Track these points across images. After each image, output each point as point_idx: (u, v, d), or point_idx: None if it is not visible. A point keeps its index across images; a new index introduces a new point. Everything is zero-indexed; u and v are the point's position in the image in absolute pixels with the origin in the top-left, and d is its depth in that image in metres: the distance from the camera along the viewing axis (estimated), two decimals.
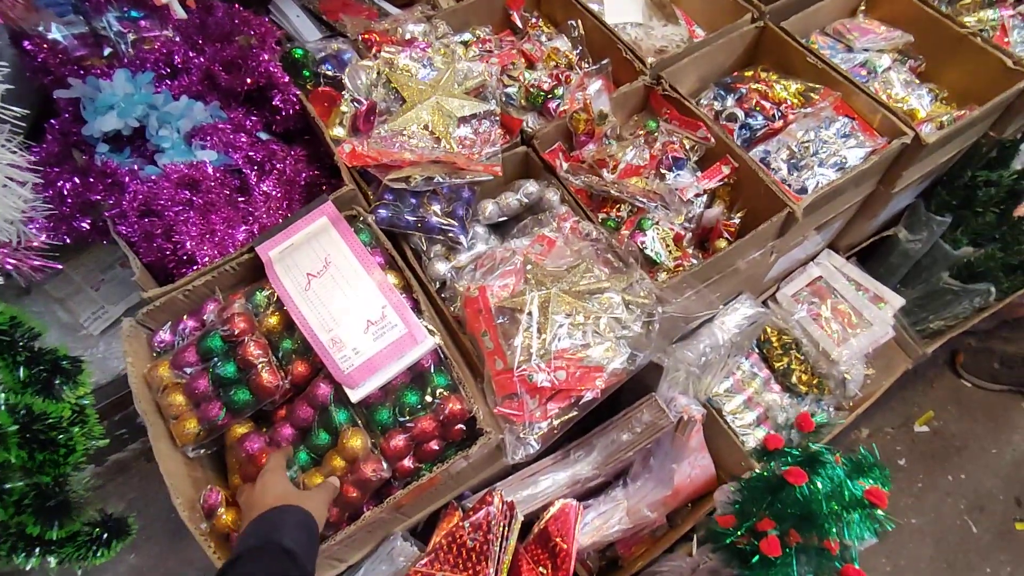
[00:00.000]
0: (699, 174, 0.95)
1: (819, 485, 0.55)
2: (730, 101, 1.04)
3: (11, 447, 0.45)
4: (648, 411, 0.85)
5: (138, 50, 0.85)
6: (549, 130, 0.95)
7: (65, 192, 0.76)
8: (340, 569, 0.74)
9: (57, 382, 0.52)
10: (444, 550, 0.71)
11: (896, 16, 1.13)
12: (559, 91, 1.02)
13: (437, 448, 0.67)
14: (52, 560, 0.55)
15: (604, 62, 1.02)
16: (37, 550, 0.53)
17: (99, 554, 0.58)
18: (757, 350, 1.19)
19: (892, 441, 1.47)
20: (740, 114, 1.01)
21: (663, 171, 0.94)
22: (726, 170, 0.94)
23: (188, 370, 0.67)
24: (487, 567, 0.70)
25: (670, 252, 0.89)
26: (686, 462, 0.96)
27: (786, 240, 0.96)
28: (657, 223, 0.89)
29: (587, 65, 1.08)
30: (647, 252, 0.87)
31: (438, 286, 0.83)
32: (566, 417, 0.71)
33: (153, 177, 0.76)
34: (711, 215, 0.94)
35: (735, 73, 1.09)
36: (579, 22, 1.10)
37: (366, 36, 0.97)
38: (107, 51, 0.87)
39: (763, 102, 1.01)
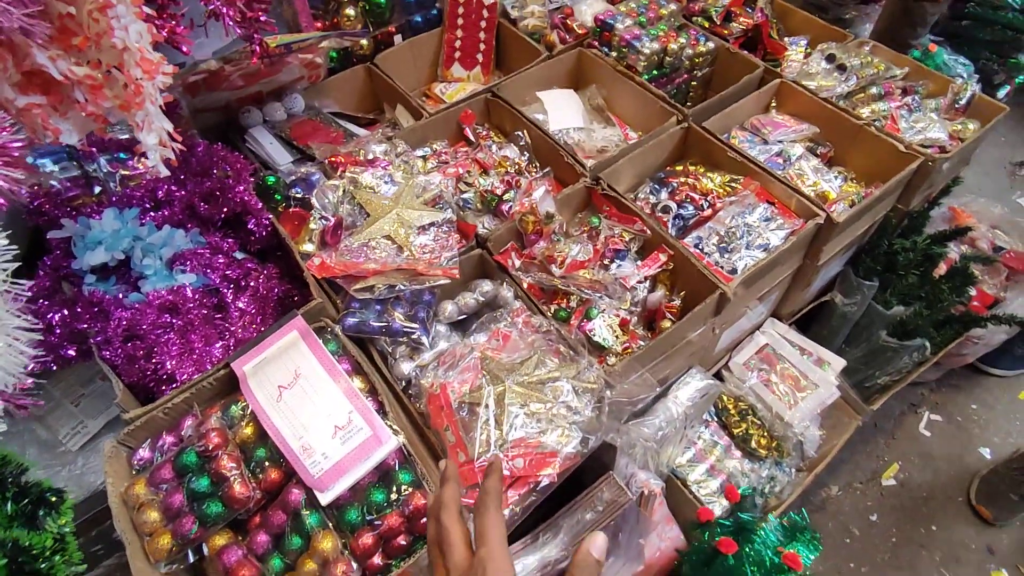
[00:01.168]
0: (639, 263, 1.05)
1: (748, 551, 0.60)
2: (663, 194, 1.16)
3: None
4: (608, 490, 0.90)
5: (125, 187, 0.95)
6: (502, 232, 1.05)
7: (54, 323, 0.82)
8: None
9: (41, 513, 0.56)
10: None
11: (803, 111, 1.28)
12: (510, 194, 1.13)
13: (405, 543, 0.71)
14: None
15: (547, 170, 1.14)
16: None
17: None
18: (716, 419, 1.25)
19: (862, 496, 1.51)
20: (673, 206, 1.13)
21: (606, 263, 1.04)
22: (663, 258, 1.04)
23: (164, 486, 0.72)
24: None
25: (617, 337, 0.97)
26: (653, 535, 1.00)
27: (725, 316, 1.05)
28: (603, 311, 0.98)
29: (535, 169, 1.20)
30: (595, 339, 0.95)
31: (404, 384, 0.89)
32: (526, 503, 0.76)
33: (137, 304, 0.83)
34: (654, 299, 1.03)
35: (667, 168, 1.22)
36: (525, 132, 1.23)
37: (332, 159, 1.08)
38: (97, 189, 0.96)
39: (692, 194, 1.13)
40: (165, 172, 0.62)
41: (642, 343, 0.98)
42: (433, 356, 0.91)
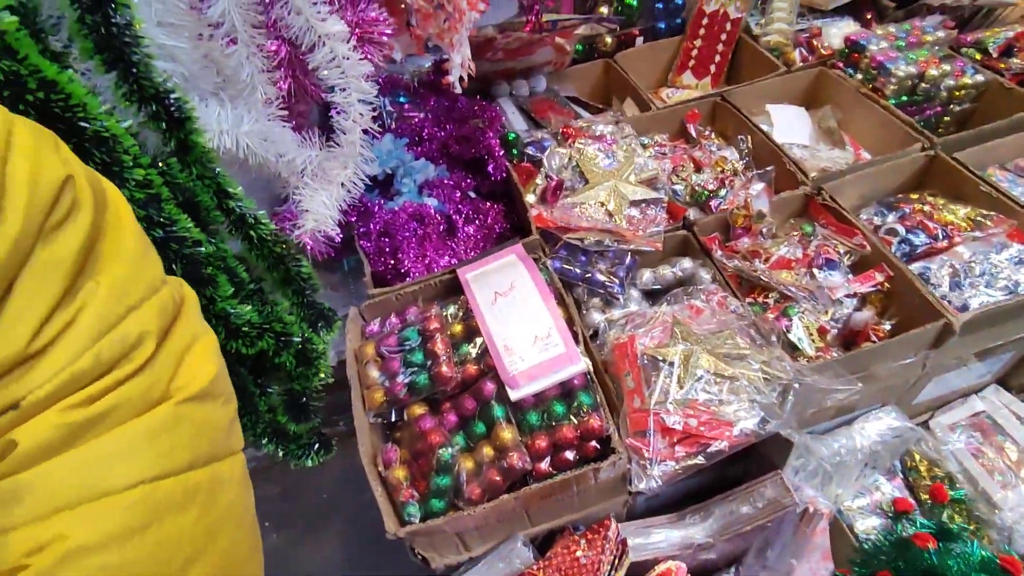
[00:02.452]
0: (851, 277, 1.00)
1: (951, 549, 0.55)
2: (891, 218, 1.09)
3: (290, 356, 0.64)
4: (772, 488, 0.87)
5: (399, 123, 1.14)
6: (709, 221, 1.07)
7: None
8: (463, 557, 0.83)
9: (320, 325, 0.71)
10: (558, 559, 0.78)
11: None
12: (722, 192, 1.15)
13: (571, 458, 0.76)
14: (280, 451, 0.72)
15: (768, 168, 1.14)
16: (275, 440, 0.70)
17: (309, 459, 0.74)
18: (902, 476, 1.12)
19: None
20: (901, 230, 1.05)
21: (814, 269, 1.01)
22: (879, 277, 0.98)
23: (386, 351, 0.85)
24: None
25: (813, 341, 0.94)
26: (807, 562, 0.93)
27: (941, 355, 0.95)
28: (803, 313, 0.95)
29: (752, 173, 1.20)
30: (790, 336, 0.93)
31: (591, 333, 0.95)
32: (691, 462, 0.77)
33: (392, 210, 1.01)
34: (860, 318, 0.98)
35: (899, 195, 1.14)
36: (748, 137, 1.24)
37: (564, 130, 1.19)
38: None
39: (927, 222, 1.05)
40: (458, 89, 0.76)
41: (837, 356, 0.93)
42: (623, 314, 0.96)
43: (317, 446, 0.75)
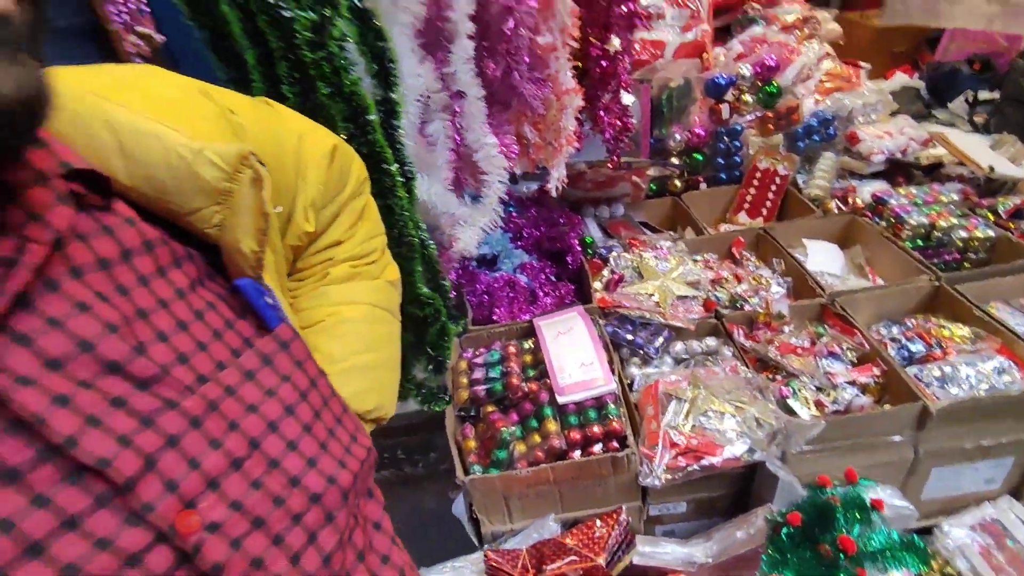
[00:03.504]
0: (851, 368, 1.22)
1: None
2: (895, 330, 1.31)
3: (437, 328, 1.00)
4: (763, 517, 1.05)
5: (508, 223, 1.58)
6: (736, 315, 1.36)
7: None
8: (506, 528, 1.08)
9: (455, 316, 1.08)
10: (578, 532, 1.01)
11: None
12: (754, 299, 1.44)
13: (597, 452, 1.03)
14: (417, 397, 1.05)
15: (788, 279, 1.42)
16: (416, 388, 1.04)
17: (437, 404, 1.07)
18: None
19: None
20: (901, 338, 1.27)
21: (819, 359, 1.24)
22: (876, 370, 1.19)
23: (474, 365, 1.19)
24: (603, 555, 0.97)
25: (809, 410, 1.15)
26: None
27: (931, 440, 1.12)
28: (803, 386, 1.18)
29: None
30: (788, 403, 1.15)
31: (629, 383, 1.23)
32: (688, 468, 1.00)
33: (495, 277, 1.40)
34: (858, 402, 1.18)
35: (905, 315, 1.36)
36: (782, 260, 1.54)
37: (630, 241, 1.57)
38: None
39: (925, 335, 1.26)
40: (554, 194, 1.16)
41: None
42: (655, 371, 1.24)
43: (442, 395, 1.07)
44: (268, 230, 0.42)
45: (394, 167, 0.74)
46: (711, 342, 1.29)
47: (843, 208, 1.71)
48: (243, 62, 0.67)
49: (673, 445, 1.03)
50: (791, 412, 1.15)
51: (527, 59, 0.95)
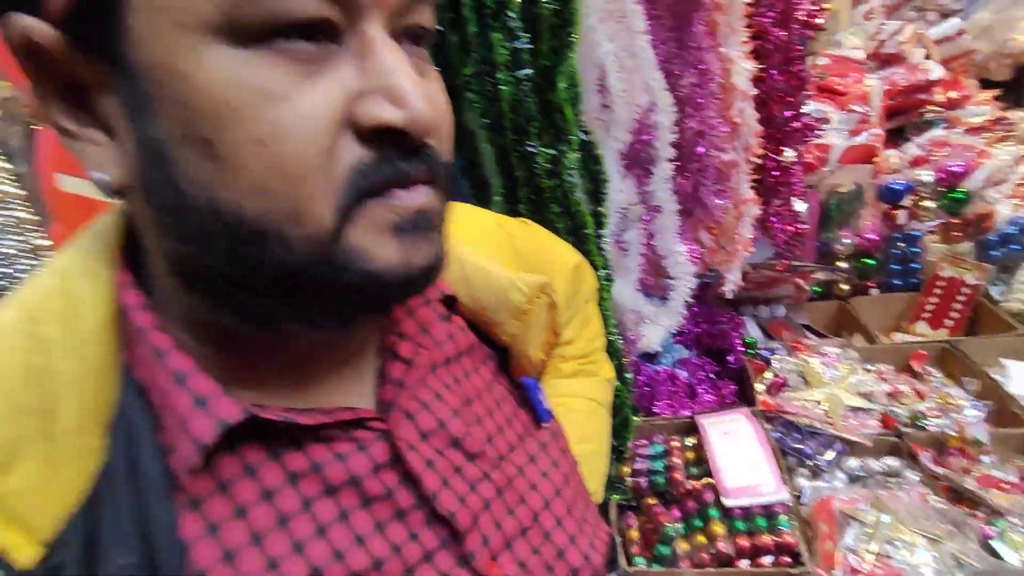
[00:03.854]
0: None
1: None
2: None
3: (621, 419, 1.06)
4: None
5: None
6: (922, 435, 1.26)
7: None
8: None
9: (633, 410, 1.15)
10: None
11: None
12: (942, 420, 1.33)
13: (767, 564, 1.00)
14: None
15: (988, 403, 1.29)
16: None
17: (615, 493, 1.12)
18: None
19: None
20: None
21: None
22: None
23: (637, 457, 1.23)
24: None
25: (1021, 557, 1.02)
26: None
27: None
28: (1014, 527, 1.05)
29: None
30: (992, 543, 1.03)
31: (797, 495, 1.19)
32: None
33: (654, 370, 1.44)
34: None
35: None
36: (977, 381, 1.41)
37: (794, 344, 1.54)
38: None
39: None
40: (729, 296, 1.21)
41: None
42: (827, 486, 1.18)
43: (620, 484, 1.12)
44: (556, 344, 0.51)
45: (602, 272, 0.85)
46: (892, 462, 1.21)
47: None
48: (487, 184, 0.83)
49: (855, 572, 0.97)
50: (996, 555, 1.03)
51: (713, 174, 1.04)
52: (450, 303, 0.46)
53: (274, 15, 0.27)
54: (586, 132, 0.87)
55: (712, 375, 1.49)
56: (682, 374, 1.44)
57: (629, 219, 0.96)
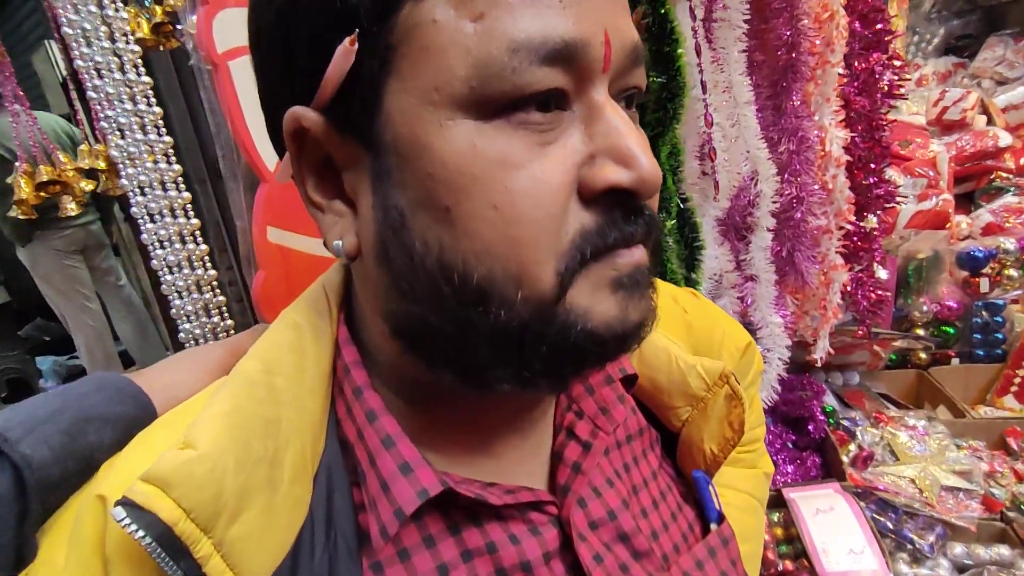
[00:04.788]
0: None
1: None
2: None
3: None
4: None
5: None
6: None
7: None
8: None
9: None
10: None
11: None
12: None
13: None
14: None
15: None
16: None
17: None
18: None
19: None
20: None
21: None
22: None
23: None
24: None
25: None
26: None
27: None
28: None
29: None
30: None
31: None
32: None
33: None
34: None
35: None
36: None
37: (877, 415, 1.47)
38: None
39: None
40: (819, 364, 1.17)
41: None
42: (932, 575, 1.10)
43: None
44: (736, 442, 0.46)
45: None
46: (1004, 551, 1.12)
47: None
48: None
49: None
50: None
51: (808, 240, 1.03)
52: (631, 382, 0.44)
53: (518, 89, 0.29)
54: (684, 199, 0.87)
55: (790, 444, 1.43)
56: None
57: (723, 286, 0.95)
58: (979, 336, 1.70)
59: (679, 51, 0.75)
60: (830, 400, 1.62)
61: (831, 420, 1.46)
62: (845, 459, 1.35)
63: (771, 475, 0.66)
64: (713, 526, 0.46)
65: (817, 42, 0.94)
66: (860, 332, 1.40)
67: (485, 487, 0.36)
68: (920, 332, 1.70)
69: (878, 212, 1.33)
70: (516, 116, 0.29)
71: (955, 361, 1.72)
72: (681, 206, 0.83)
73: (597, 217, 0.31)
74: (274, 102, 0.35)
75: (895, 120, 2.31)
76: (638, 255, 0.33)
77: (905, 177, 2.01)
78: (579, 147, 0.31)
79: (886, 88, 1.24)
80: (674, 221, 0.82)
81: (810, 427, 1.41)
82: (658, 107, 0.77)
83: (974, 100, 2.21)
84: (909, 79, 1.30)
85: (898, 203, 1.48)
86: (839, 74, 1.09)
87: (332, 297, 0.39)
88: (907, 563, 1.13)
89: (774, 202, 0.91)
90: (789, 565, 1.07)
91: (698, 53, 0.80)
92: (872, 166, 1.28)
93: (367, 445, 0.35)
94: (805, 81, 0.97)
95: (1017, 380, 1.64)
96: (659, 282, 0.60)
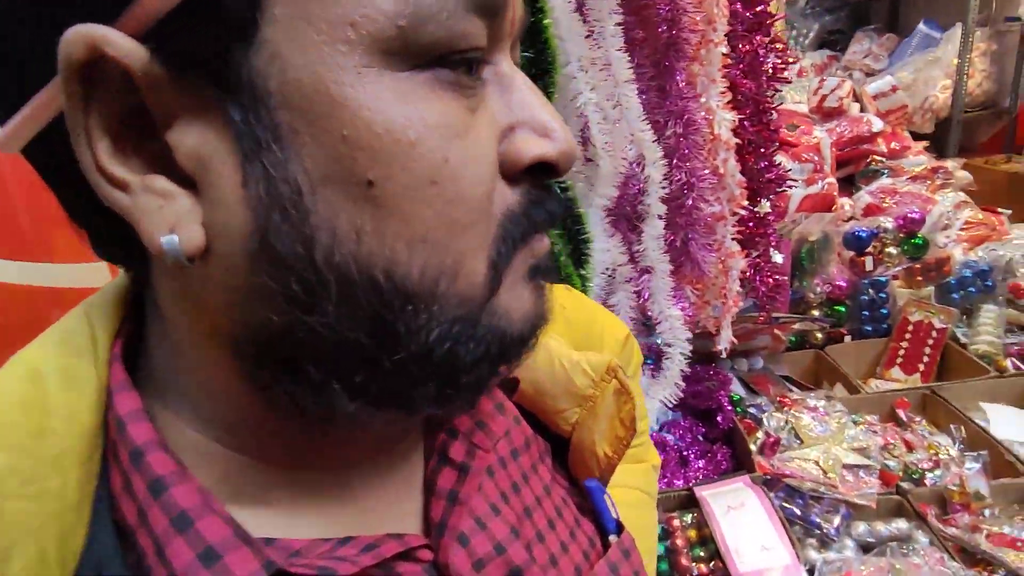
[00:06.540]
0: None
1: None
2: None
3: None
4: None
5: None
6: (924, 492, 1.20)
7: None
8: None
9: None
10: None
11: None
12: (937, 471, 1.28)
13: None
14: None
15: (982, 452, 1.25)
16: None
17: None
18: None
19: None
20: None
21: None
22: None
23: None
24: None
25: None
26: None
27: None
28: None
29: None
30: None
31: (808, 568, 1.09)
32: None
33: None
34: None
35: None
36: (962, 428, 1.38)
37: (781, 399, 1.47)
38: None
39: None
40: (724, 355, 1.13)
41: None
42: (839, 557, 1.09)
43: None
44: (629, 440, 0.43)
45: None
46: (901, 525, 1.13)
47: (1021, 367, 1.54)
48: None
49: None
50: None
51: (701, 228, 0.98)
52: (512, 387, 0.40)
53: (450, 39, 0.24)
54: (564, 188, 0.79)
55: (700, 437, 1.40)
56: (670, 439, 1.34)
57: (617, 281, 0.88)
58: (867, 313, 1.77)
59: (546, 22, 0.66)
60: (737, 388, 1.62)
61: (739, 409, 1.45)
62: (753, 448, 1.34)
63: (659, 467, 0.66)
64: (613, 538, 0.41)
65: (698, 19, 0.88)
66: (761, 318, 1.39)
67: (336, 547, 0.29)
68: (815, 313, 1.75)
69: (771, 197, 1.32)
70: (444, 73, 0.24)
71: (848, 339, 1.78)
72: (561, 196, 0.75)
73: (520, 196, 0.28)
74: (27, 11, 0.23)
75: (782, 106, 2.39)
76: (547, 240, 0.30)
77: (793, 162, 2.07)
78: (498, 118, 0.27)
79: (771, 71, 1.23)
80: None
81: (719, 418, 1.39)
82: None
83: (848, 88, 2.32)
84: (792, 62, 1.29)
85: (789, 187, 1.49)
86: (724, 54, 1.05)
87: (101, 327, 0.29)
88: (815, 548, 1.12)
89: (663, 188, 0.84)
90: (703, 568, 1.02)
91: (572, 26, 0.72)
92: (762, 150, 1.27)
93: (152, 530, 0.26)
94: (688, 60, 0.92)
95: (901, 352, 1.72)
96: None
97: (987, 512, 1.16)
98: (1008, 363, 1.56)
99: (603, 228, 0.85)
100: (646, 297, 0.90)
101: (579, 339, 0.49)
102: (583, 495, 0.43)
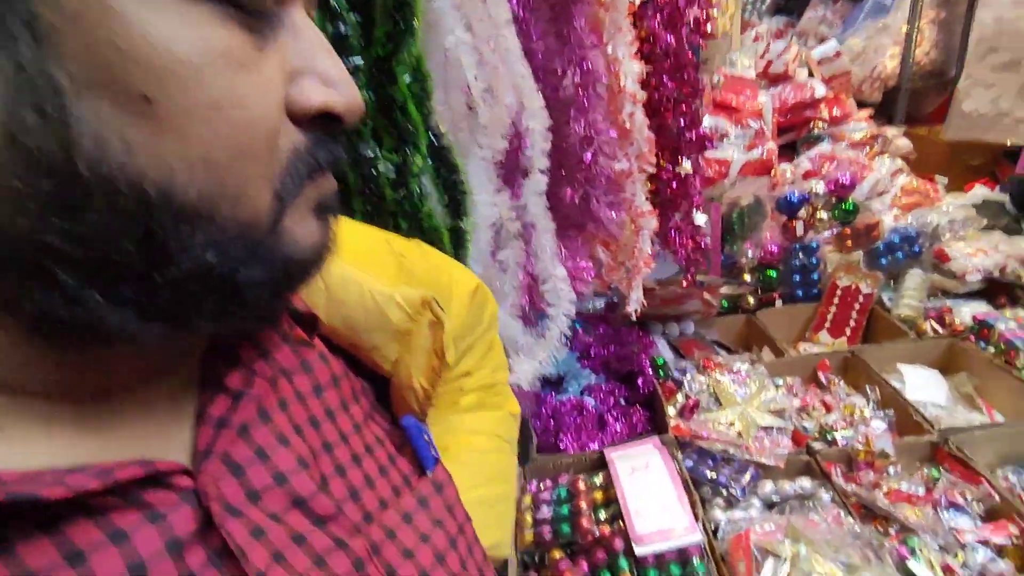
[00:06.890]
0: (981, 524, 1.04)
1: None
2: None
3: None
4: None
5: (574, 341, 1.53)
6: (832, 451, 1.21)
7: None
8: None
9: None
10: None
11: None
12: (849, 432, 1.29)
13: None
14: None
15: (890, 411, 1.27)
16: None
17: None
18: None
19: None
20: None
21: (939, 509, 1.07)
22: (1014, 529, 1.01)
23: (541, 503, 1.09)
24: None
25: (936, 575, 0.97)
26: None
27: None
28: (925, 546, 1.01)
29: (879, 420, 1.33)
30: (908, 564, 0.98)
31: (713, 528, 1.09)
32: None
33: (559, 400, 1.33)
34: (996, 568, 0.99)
35: None
36: (877, 389, 1.40)
37: (705, 362, 1.47)
38: None
39: None
40: (633, 318, 1.11)
41: None
42: (743, 516, 1.10)
43: None
44: (442, 370, 0.45)
45: None
46: (806, 483, 1.14)
47: (939, 331, 1.57)
48: None
49: None
50: None
51: (604, 184, 0.94)
52: (310, 324, 0.40)
53: None
54: (437, 135, 0.74)
55: (623, 400, 1.39)
56: (589, 402, 1.33)
57: (505, 236, 0.84)
58: (798, 277, 1.77)
59: None
60: (665, 352, 1.62)
61: (661, 372, 1.45)
62: (672, 411, 1.34)
63: (518, 415, 0.68)
64: (428, 473, 0.42)
65: None
66: (686, 281, 1.38)
67: (64, 476, 0.26)
68: (747, 278, 1.75)
69: (692, 156, 1.29)
70: (229, 9, 0.25)
71: (779, 303, 1.79)
72: (435, 142, 0.70)
73: (306, 138, 0.29)
74: None
75: (727, 70, 2.34)
76: (332, 179, 0.32)
77: (735, 127, 2.05)
78: (288, 60, 0.28)
79: (692, 24, 1.18)
80: (425, 159, 0.69)
81: (639, 382, 1.39)
82: (387, 19, 0.63)
83: (795, 53, 2.29)
84: (716, 18, 1.24)
85: (714, 147, 1.47)
86: (640, 3, 1.00)
87: None
88: (722, 508, 1.12)
89: (549, 140, 0.80)
90: (606, 529, 1.01)
91: None
92: (683, 108, 1.23)
93: None
94: (590, 5, 0.87)
95: (830, 316, 1.73)
96: (365, 225, 0.55)
97: (891, 470, 1.18)
98: (927, 326, 1.58)
99: (489, 180, 0.81)
100: (534, 255, 0.87)
101: (425, 289, 0.50)
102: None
